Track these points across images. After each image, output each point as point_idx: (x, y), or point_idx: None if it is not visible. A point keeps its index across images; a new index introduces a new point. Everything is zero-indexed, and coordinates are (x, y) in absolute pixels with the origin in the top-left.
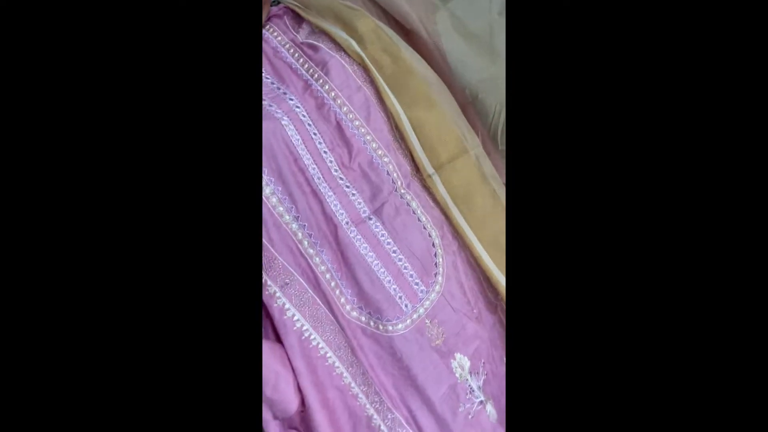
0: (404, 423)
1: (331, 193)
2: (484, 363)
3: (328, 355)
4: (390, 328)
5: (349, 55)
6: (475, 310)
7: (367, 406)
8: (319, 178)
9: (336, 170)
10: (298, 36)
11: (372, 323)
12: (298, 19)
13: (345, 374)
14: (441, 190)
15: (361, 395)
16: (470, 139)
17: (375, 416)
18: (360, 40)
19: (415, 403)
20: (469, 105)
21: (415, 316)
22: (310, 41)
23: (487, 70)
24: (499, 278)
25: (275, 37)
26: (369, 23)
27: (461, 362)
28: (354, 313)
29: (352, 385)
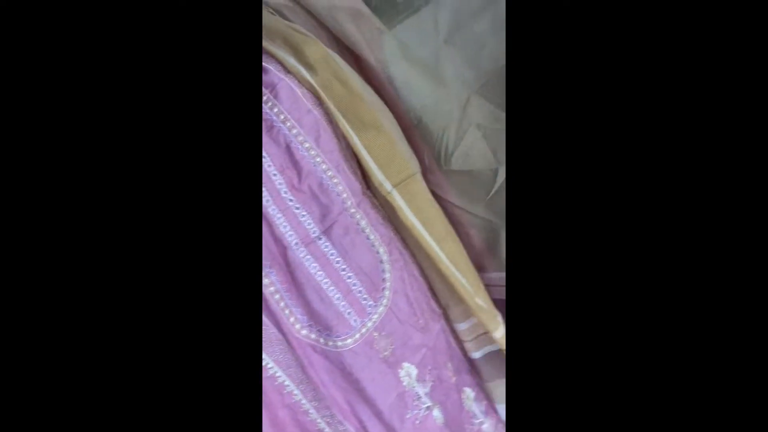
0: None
1: (280, 215)
2: (430, 369)
3: (278, 374)
4: (339, 344)
5: (298, 78)
6: (420, 321)
7: (318, 420)
8: (267, 201)
9: (286, 192)
10: None
11: (322, 340)
12: None
13: (295, 391)
14: (402, 205)
15: (312, 410)
16: (413, 164)
17: (326, 429)
18: (310, 67)
19: (365, 414)
20: (413, 128)
21: (363, 330)
22: None
23: (431, 96)
24: (466, 286)
25: None
26: (319, 50)
27: (408, 371)
28: (304, 332)
29: (303, 401)
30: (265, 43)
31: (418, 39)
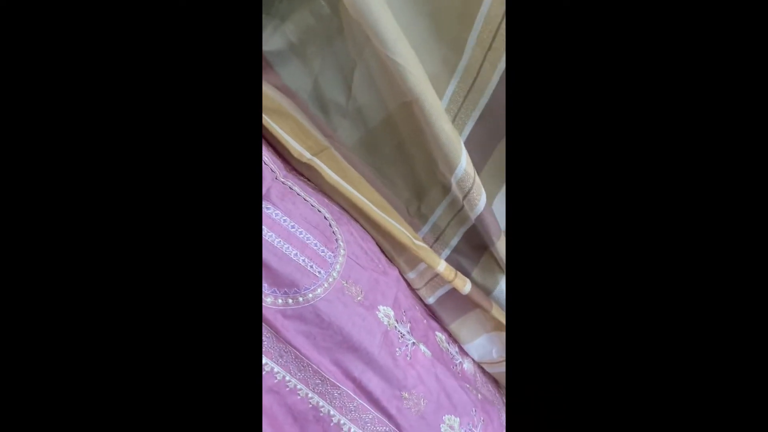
0: (353, 395)
1: None
2: (405, 311)
3: None
4: (310, 296)
5: None
6: (380, 266)
7: (310, 395)
8: None
9: None
10: None
11: (291, 301)
12: None
13: (276, 369)
14: (325, 169)
15: (300, 385)
16: (325, 141)
17: (321, 402)
18: None
19: (358, 367)
20: (307, 108)
21: (330, 279)
22: None
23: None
24: (402, 230)
25: None
26: None
27: (386, 312)
28: (269, 299)
29: (287, 378)
30: None
31: (293, 77)
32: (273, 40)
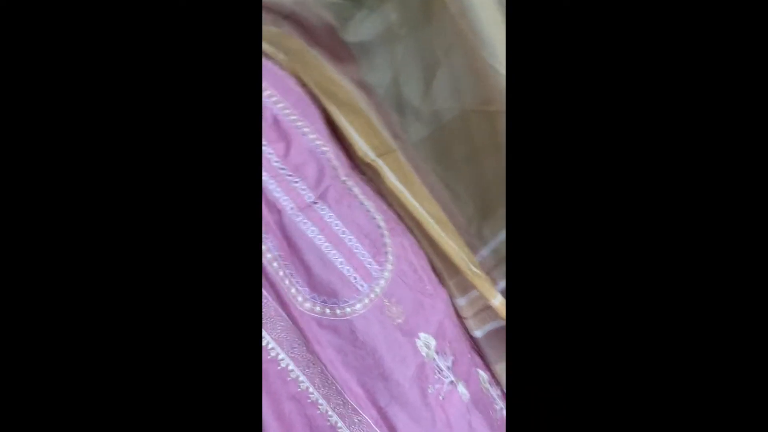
0: (373, 425)
1: (272, 182)
2: (450, 342)
3: (280, 357)
4: (348, 310)
5: (279, 63)
6: (428, 287)
7: (330, 412)
8: None
9: (276, 161)
10: None
11: (328, 311)
12: None
13: (301, 378)
14: (387, 173)
15: (321, 400)
16: (393, 143)
17: (340, 423)
18: (287, 53)
19: (384, 398)
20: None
21: (372, 295)
22: None
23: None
24: (455, 249)
25: None
26: (296, 42)
27: (426, 341)
28: (307, 305)
29: (311, 389)
30: None
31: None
32: (361, 29)
